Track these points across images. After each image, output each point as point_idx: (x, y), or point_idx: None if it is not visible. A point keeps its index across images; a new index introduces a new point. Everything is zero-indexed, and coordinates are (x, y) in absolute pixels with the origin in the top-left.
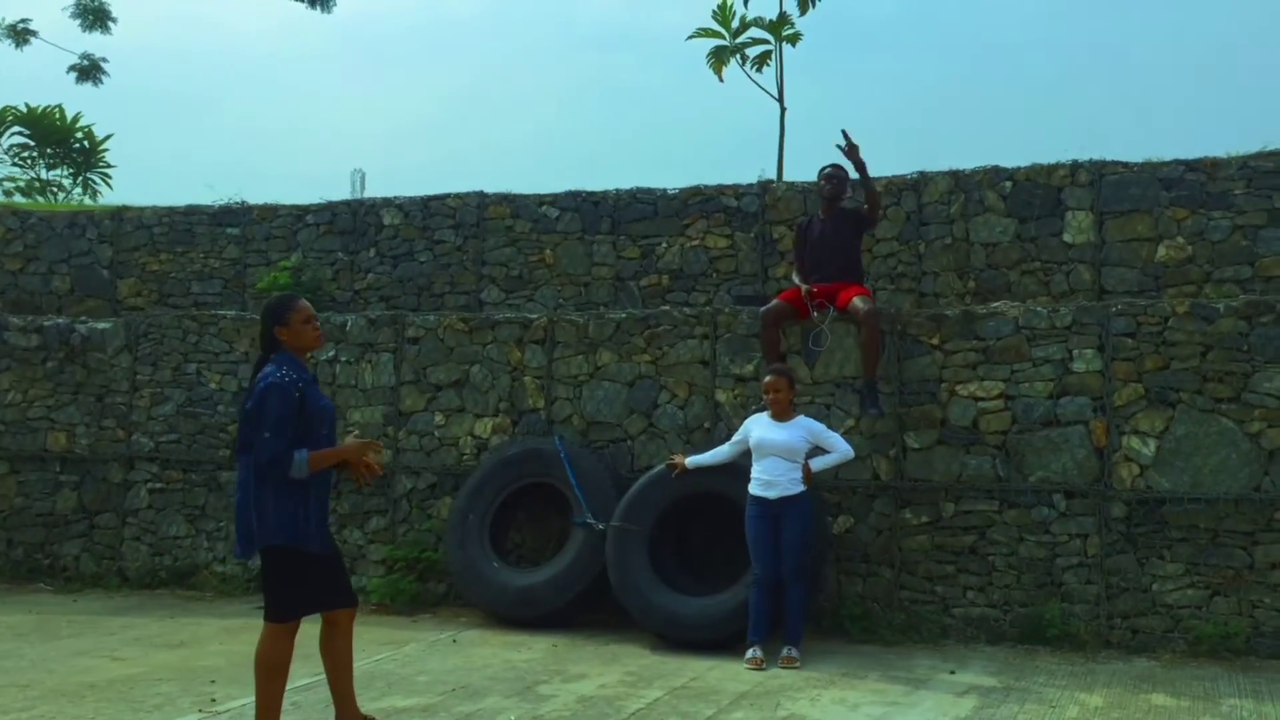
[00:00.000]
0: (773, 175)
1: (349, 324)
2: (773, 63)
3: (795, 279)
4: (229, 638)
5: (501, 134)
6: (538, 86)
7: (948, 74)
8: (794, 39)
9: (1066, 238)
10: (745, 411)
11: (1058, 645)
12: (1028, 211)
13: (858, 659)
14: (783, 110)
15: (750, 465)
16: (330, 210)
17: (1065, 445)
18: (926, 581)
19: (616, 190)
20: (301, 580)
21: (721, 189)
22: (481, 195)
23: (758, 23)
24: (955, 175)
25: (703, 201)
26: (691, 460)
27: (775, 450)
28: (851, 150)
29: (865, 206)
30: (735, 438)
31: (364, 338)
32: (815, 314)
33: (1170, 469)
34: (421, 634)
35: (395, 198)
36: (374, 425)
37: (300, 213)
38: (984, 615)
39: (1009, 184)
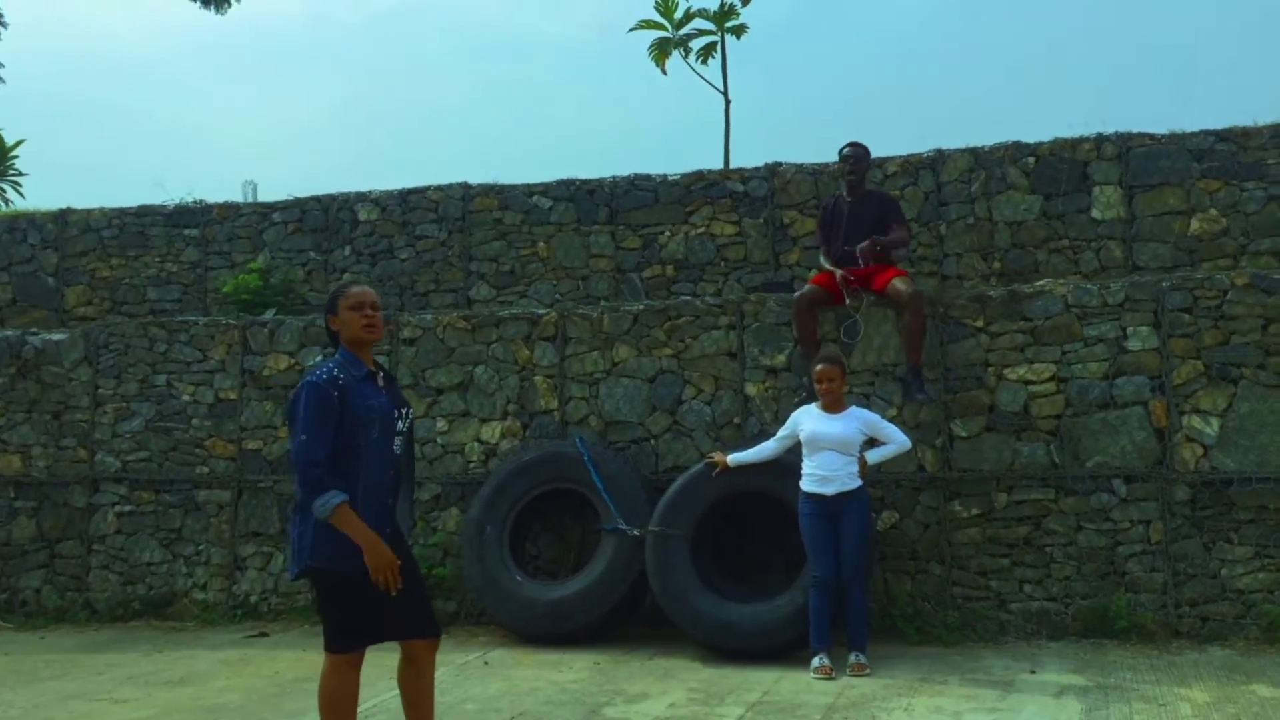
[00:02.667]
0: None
1: None
2: (718, 54)
3: (825, 263)
4: (232, 671)
5: (395, 140)
6: (442, 92)
7: (952, 47)
8: (739, 30)
9: (1095, 214)
10: (777, 405)
11: (1125, 638)
12: (1053, 188)
13: (926, 662)
14: (727, 102)
15: (797, 460)
16: (299, 207)
17: (1123, 428)
18: (980, 577)
19: (613, 177)
20: (353, 607)
21: (726, 173)
22: (466, 186)
23: (702, 14)
24: (974, 152)
25: (706, 187)
26: (734, 458)
27: (830, 444)
28: (870, 255)
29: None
30: (782, 432)
31: None
32: (849, 299)
33: (1235, 448)
34: (444, 657)
35: (370, 192)
36: None
37: (265, 210)
38: (1043, 609)
39: (1032, 160)
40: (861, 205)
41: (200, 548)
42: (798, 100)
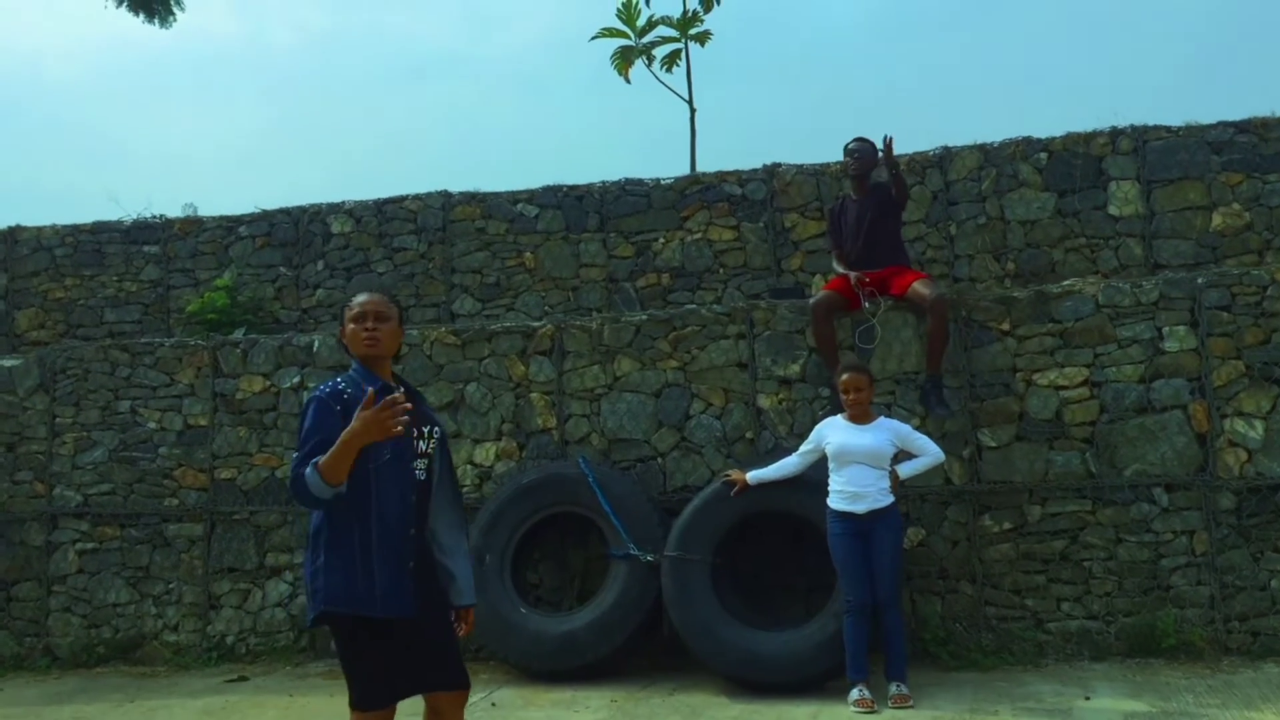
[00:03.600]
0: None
1: (315, 345)
2: (682, 62)
3: (838, 267)
4: None
5: (343, 162)
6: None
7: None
8: (703, 38)
9: (1112, 210)
10: (792, 418)
11: (1172, 656)
12: (1067, 184)
13: (969, 690)
14: (692, 111)
15: (821, 476)
16: (267, 220)
17: (1162, 433)
18: (1014, 595)
19: (603, 182)
20: (376, 654)
21: (723, 175)
22: (446, 195)
23: (665, 21)
24: (983, 149)
25: (702, 190)
26: (754, 475)
27: (860, 457)
28: (889, 153)
29: (893, 189)
30: (805, 446)
31: (334, 359)
32: (867, 304)
33: None
34: None
35: (344, 202)
36: None
37: (231, 224)
38: (1084, 629)
39: (1044, 155)
40: (870, 202)
41: (170, 586)
42: (770, 107)
